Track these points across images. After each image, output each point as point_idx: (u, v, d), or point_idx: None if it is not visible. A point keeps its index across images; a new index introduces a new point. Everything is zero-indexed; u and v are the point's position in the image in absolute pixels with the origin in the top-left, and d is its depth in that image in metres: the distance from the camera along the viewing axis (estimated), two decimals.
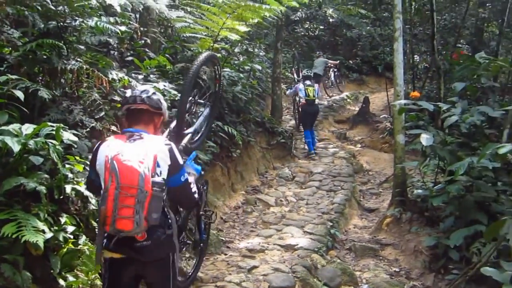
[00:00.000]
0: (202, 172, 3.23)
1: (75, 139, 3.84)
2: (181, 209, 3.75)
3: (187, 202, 2.81)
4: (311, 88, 11.07)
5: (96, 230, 2.85)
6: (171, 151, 2.63)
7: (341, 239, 6.89)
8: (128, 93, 2.80)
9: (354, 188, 9.00)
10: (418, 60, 14.87)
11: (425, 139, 5.44)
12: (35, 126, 3.53)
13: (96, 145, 2.70)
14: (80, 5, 5.21)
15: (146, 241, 2.51)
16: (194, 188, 2.78)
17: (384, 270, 5.85)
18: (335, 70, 16.87)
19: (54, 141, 3.50)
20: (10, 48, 4.76)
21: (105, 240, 2.55)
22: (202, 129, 4.22)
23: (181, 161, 2.69)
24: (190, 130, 3.88)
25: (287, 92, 12.80)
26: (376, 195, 9.21)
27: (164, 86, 5.61)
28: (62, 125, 3.70)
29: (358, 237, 7.07)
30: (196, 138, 4.03)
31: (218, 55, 8.72)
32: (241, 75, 9.31)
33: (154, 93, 2.79)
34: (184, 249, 4.40)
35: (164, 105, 2.84)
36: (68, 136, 3.71)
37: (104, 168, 2.50)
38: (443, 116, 5.86)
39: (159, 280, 2.68)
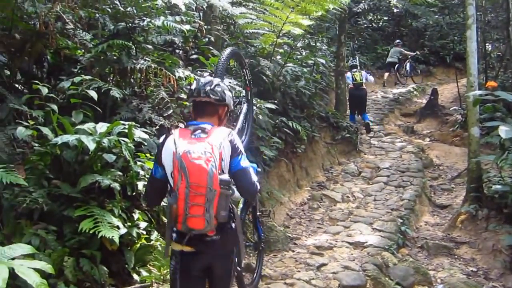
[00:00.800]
0: (259, 169, 3.17)
1: (146, 136, 3.93)
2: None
3: (248, 189, 2.71)
4: (357, 73, 11.44)
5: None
6: (232, 142, 2.64)
7: (412, 236, 6.62)
8: (193, 85, 2.81)
9: (424, 183, 8.61)
10: (490, 48, 14.03)
11: (504, 131, 5.13)
12: (108, 124, 3.64)
13: (162, 140, 2.72)
14: (147, 6, 5.33)
15: (215, 236, 2.56)
16: (254, 177, 2.74)
17: (460, 269, 5.57)
18: (411, 61, 16.69)
19: (126, 139, 3.59)
20: (83, 50, 4.96)
21: (174, 235, 2.60)
22: (246, 128, 4.24)
23: (241, 148, 2.70)
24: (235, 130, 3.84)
25: None
26: (448, 191, 8.76)
27: (229, 82, 5.63)
28: (133, 123, 3.79)
29: (430, 234, 6.77)
30: (243, 138, 4.01)
31: (281, 50, 8.68)
32: (304, 69, 9.21)
33: (217, 85, 2.78)
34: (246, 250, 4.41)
35: (228, 95, 2.83)
36: (139, 134, 3.80)
37: (172, 165, 2.53)
38: None
39: (223, 272, 2.73)
